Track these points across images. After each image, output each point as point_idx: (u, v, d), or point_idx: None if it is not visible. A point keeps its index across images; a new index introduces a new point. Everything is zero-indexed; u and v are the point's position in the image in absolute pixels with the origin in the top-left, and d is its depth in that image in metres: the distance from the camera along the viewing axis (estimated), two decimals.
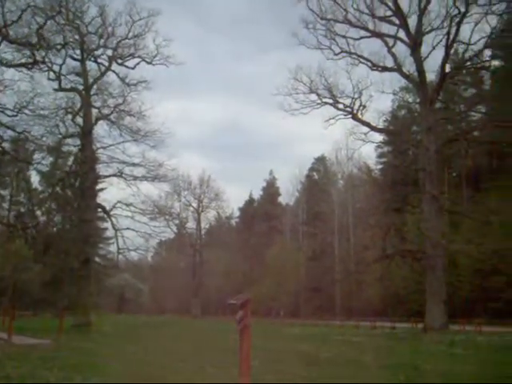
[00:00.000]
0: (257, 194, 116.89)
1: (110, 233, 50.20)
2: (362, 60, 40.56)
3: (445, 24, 37.37)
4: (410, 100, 62.89)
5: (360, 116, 40.70)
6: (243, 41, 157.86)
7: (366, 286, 66.34)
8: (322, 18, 40.21)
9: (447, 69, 39.77)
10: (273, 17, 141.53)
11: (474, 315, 45.26)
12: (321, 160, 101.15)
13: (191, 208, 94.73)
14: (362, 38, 40.62)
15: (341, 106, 41.37)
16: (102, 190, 51.74)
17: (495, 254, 45.35)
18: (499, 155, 60.04)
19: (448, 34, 37.04)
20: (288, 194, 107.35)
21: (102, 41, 41.30)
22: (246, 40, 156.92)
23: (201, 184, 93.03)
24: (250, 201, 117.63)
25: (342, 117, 41.72)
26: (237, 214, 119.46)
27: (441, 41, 37.87)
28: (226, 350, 15.48)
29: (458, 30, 36.97)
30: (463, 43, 38.58)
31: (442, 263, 35.70)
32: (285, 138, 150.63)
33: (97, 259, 60.85)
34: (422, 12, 37.88)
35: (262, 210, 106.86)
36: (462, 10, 35.94)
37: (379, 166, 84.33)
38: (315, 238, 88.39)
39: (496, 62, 57.56)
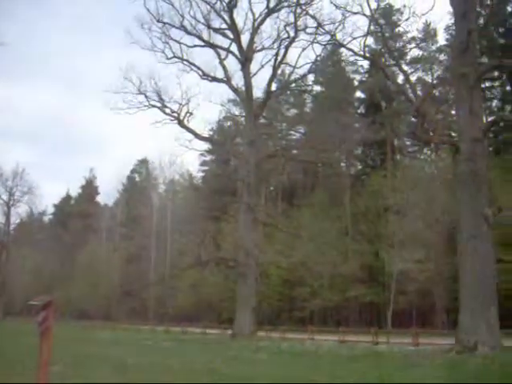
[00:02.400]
0: (75, 191, 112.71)
1: None
2: (193, 68, 40.87)
3: (275, 45, 39.26)
4: (237, 113, 64.70)
5: (186, 123, 40.90)
6: (80, 33, 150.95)
7: (179, 292, 66.68)
8: (158, 21, 39.83)
9: (273, 87, 41.70)
10: (112, 12, 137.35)
11: (280, 323, 47.62)
12: (144, 162, 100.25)
13: (0, 201, 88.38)
14: (195, 46, 40.99)
15: (168, 110, 41.21)
16: None
17: (302, 266, 48.18)
18: (313, 174, 64.19)
19: (277, 55, 38.94)
20: (107, 194, 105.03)
21: None
22: (83, 32, 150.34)
23: (14, 176, 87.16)
24: (67, 198, 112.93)
25: (169, 121, 41.60)
26: (51, 210, 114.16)
27: (270, 60, 39.72)
28: (24, 354, 14.60)
29: (286, 53, 39.05)
30: (290, 66, 40.80)
31: (253, 272, 37.08)
32: (109, 136, 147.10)
33: None
34: (255, 30, 39.36)
35: (79, 209, 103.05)
36: (292, 34, 38.02)
37: (201, 174, 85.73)
38: (132, 241, 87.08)
39: (318, 88, 61.72)
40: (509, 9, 51.14)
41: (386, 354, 20.46)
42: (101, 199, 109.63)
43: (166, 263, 75.46)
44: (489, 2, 50.46)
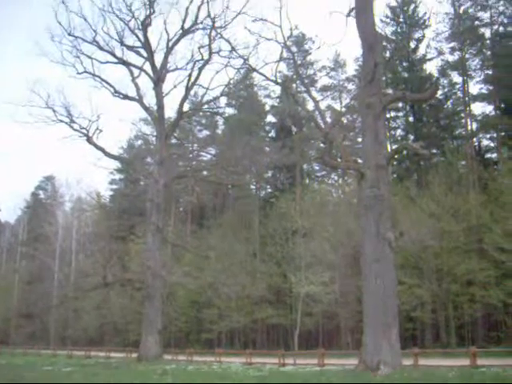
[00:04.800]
0: None
1: None
2: (104, 84, 40.13)
3: (188, 66, 39.36)
4: (148, 132, 64.16)
5: (95, 140, 39.93)
6: None
7: (83, 314, 64.48)
8: (69, 34, 38.89)
9: (185, 108, 41.66)
10: (20, 21, 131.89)
11: (188, 345, 47.02)
12: (50, 179, 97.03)
13: None
14: (108, 62, 40.30)
15: (77, 126, 40.08)
16: None
17: (210, 287, 48.03)
18: (223, 195, 64.42)
19: (190, 76, 39.04)
20: (9, 211, 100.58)
21: None
22: None
23: None
24: None
25: (77, 138, 40.48)
26: None
27: (183, 81, 39.77)
28: None
29: (199, 74, 39.21)
30: (203, 87, 41.02)
31: (160, 294, 36.54)
32: (14, 150, 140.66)
33: None
34: (169, 50, 39.29)
35: None
36: (206, 56, 38.29)
37: (109, 193, 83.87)
38: (34, 261, 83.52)
39: (230, 110, 62.30)
40: (412, 45, 54.09)
41: (292, 374, 20.70)
42: (1, 216, 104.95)
43: (70, 284, 72.83)
44: (394, 38, 53.39)
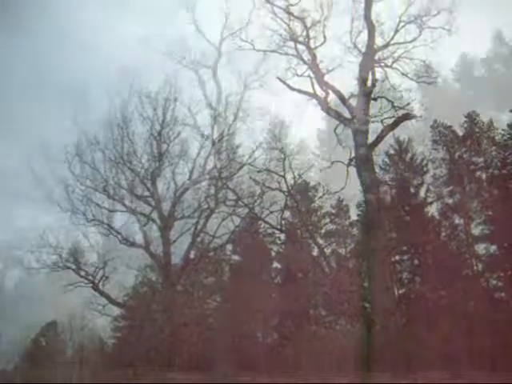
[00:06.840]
0: None
1: None
2: (112, 232, 40.95)
3: (195, 215, 40.36)
4: (154, 278, 63.86)
5: (101, 287, 40.12)
6: None
7: None
8: (81, 184, 40.44)
9: (192, 255, 42.12)
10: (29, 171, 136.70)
11: None
12: (52, 325, 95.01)
13: None
14: (116, 210, 41.50)
15: (83, 273, 40.44)
16: None
17: None
18: (229, 343, 62.74)
19: (196, 224, 39.94)
20: (7, 358, 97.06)
21: None
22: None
23: None
24: None
25: (83, 284, 40.66)
26: None
27: (189, 229, 40.55)
28: None
29: (206, 222, 40.17)
30: (209, 235, 41.68)
31: None
32: (15, 296, 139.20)
33: None
34: (177, 200, 40.59)
35: None
36: (212, 205, 39.48)
37: (112, 341, 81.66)
38: None
39: (236, 257, 62.65)
40: (412, 190, 55.56)
41: None
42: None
43: None
44: (394, 184, 54.96)
